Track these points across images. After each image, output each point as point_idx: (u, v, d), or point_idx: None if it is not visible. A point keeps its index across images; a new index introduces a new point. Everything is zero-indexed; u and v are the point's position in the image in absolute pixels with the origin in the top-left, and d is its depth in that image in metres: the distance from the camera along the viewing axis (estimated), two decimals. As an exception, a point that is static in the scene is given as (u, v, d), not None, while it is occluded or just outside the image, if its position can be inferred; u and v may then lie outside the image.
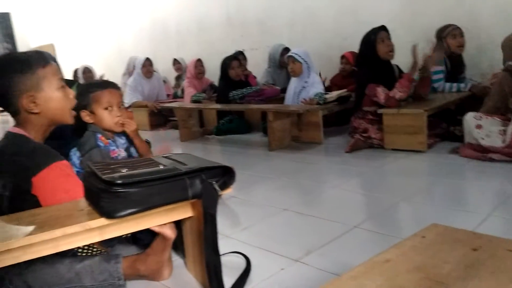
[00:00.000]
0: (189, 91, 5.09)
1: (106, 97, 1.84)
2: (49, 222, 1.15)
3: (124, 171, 1.18)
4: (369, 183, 2.48)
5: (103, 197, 1.12)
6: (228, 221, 2.01)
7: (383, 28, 3.16)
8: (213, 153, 3.81)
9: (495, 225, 1.71)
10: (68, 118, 1.53)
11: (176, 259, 1.59)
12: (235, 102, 4.29)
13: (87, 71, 6.06)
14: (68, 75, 5.76)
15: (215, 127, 4.47)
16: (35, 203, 1.33)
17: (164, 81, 6.13)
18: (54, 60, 1.53)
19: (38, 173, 1.31)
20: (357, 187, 2.43)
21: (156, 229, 1.34)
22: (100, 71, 6.13)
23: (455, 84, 3.48)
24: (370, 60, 3.15)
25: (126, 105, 5.03)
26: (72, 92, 1.54)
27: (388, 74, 3.17)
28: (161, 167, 1.25)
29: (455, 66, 3.53)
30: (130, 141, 1.96)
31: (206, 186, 1.23)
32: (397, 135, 2.99)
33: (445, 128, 3.18)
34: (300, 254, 1.59)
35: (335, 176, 2.66)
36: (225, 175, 1.30)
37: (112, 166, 1.23)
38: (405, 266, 0.75)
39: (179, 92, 5.78)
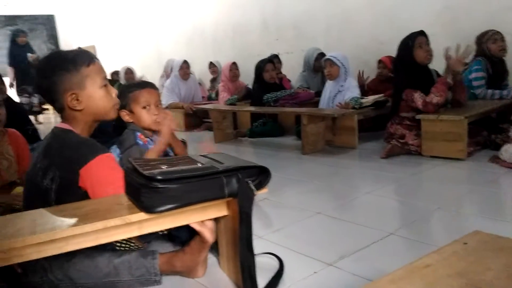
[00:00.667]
0: (223, 96, 5.15)
1: (144, 97, 1.89)
2: (91, 215, 1.19)
3: (164, 167, 1.21)
4: (405, 189, 2.43)
5: (143, 192, 1.15)
6: (260, 222, 2.02)
7: (421, 33, 3.08)
8: (246, 155, 3.83)
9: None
10: (111, 114, 1.56)
11: (210, 257, 1.60)
12: (269, 105, 4.30)
13: (129, 71, 6.40)
14: (107, 77, 5.97)
15: (248, 130, 4.50)
16: (80, 196, 1.38)
17: (200, 84, 6.23)
18: (97, 59, 1.58)
19: (85, 165, 1.36)
20: (392, 193, 2.38)
21: (197, 227, 1.36)
22: (140, 73, 6.34)
23: (497, 91, 3.37)
24: (407, 65, 3.09)
25: (164, 106, 5.14)
26: (115, 91, 1.58)
27: (426, 79, 3.09)
28: (199, 165, 1.27)
29: (497, 73, 3.42)
30: None
31: (242, 185, 1.24)
32: (435, 142, 2.91)
33: (485, 136, 3.07)
34: (334, 258, 1.58)
35: (369, 182, 2.62)
36: (261, 175, 1.32)
37: (152, 163, 1.27)
38: (446, 271, 0.74)
39: (213, 95, 5.86)
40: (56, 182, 1.37)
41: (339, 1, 4.86)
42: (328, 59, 3.82)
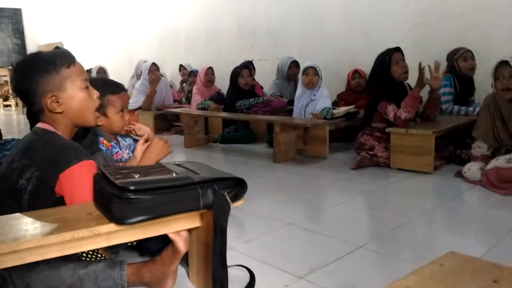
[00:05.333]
0: (196, 99, 5.09)
1: (121, 102, 1.84)
2: (58, 225, 1.13)
3: (136, 176, 1.17)
4: (374, 202, 2.46)
5: (115, 202, 1.10)
6: (231, 231, 1.98)
7: (397, 49, 3.14)
8: (216, 161, 3.79)
9: (501, 253, 1.69)
10: (90, 119, 1.52)
11: (179, 269, 1.56)
12: (242, 112, 4.29)
13: (101, 71, 6.08)
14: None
15: (220, 135, 4.46)
16: (54, 202, 1.32)
17: (171, 86, 6.14)
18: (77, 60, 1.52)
19: (67, 169, 1.30)
20: (362, 205, 2.41)
21: (172, 236, 1.31)
22: (110, 73, 6.15)
23: (463, 108, 3.49)
24: (383, 79, 3.15)
25: (132, 108, 5.04)
26: (96, 93, 1.53)
27: (400, 93, 3.14)
28: (174, 175, 1.23)
29: (464, 89, 3.54)
30: (136, 141, 1.95)
31: (218, 197, 1.22)
32: (403, 155, 2.98)
33: (451, 151, 3.17)
34: (305, 271, 1.57)
35: (339, 193, 2.64)
36: (237, 187, 1.29)
37: (124, 171, 1.22)
38: (426, 294, 0.74)
39: (183, 99, 5.79)
40: (32, 183, 1.31)
41: (313, 10, 4.90)
42: (313, 67, 3.79)
